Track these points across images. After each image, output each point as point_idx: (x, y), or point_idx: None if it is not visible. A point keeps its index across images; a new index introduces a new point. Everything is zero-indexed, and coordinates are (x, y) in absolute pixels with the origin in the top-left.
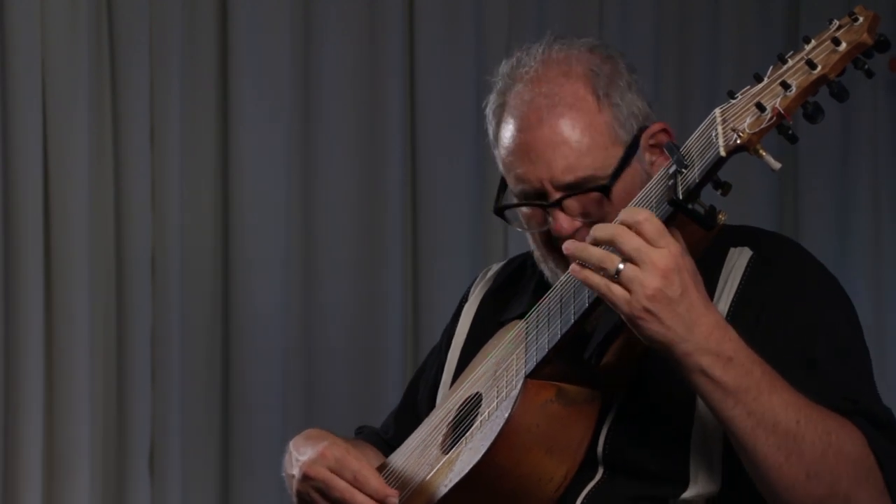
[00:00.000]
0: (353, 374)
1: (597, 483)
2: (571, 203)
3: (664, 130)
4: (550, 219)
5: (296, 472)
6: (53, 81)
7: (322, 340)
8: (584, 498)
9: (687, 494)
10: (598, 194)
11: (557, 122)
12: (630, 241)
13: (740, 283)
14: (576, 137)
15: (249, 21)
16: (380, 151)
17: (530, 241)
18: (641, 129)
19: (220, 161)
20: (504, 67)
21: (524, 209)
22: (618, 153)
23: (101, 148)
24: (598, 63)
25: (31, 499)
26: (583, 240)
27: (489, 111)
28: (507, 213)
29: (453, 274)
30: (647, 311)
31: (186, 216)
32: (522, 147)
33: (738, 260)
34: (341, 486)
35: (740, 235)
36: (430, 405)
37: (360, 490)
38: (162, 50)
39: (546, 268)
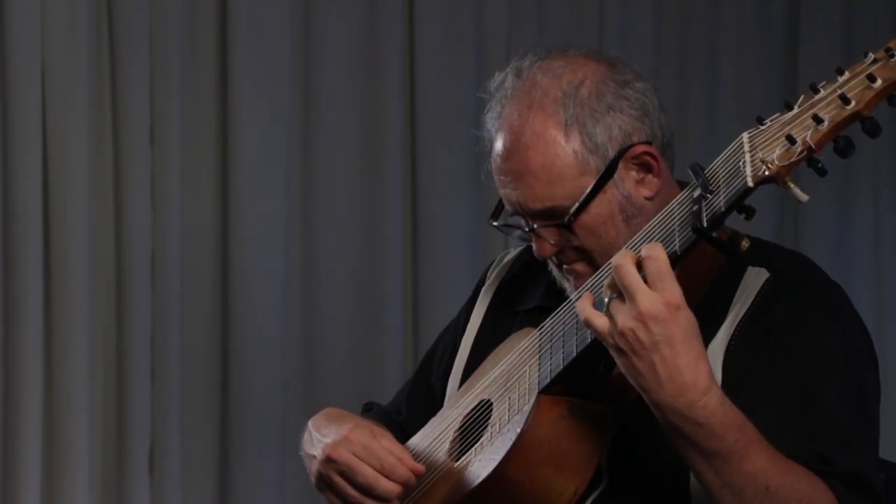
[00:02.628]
0: (353, 374)
1: (601, 493)
2: (544, 231)
3: (646, 153)
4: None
5: (317, 452)
6: (53, 81)
7: (322, 340)
8: None
9: None
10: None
11: (525, 154)
12: (625, 277)
13: (751, 305)
14: (540, 169)
15: (249, 21)
16: (380, 151)
17: None
18: (622, 152)
19: (220, 161)
20: (496, 80)
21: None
22: (587, 183)
23: (101, 148)
24: (574, 86)
25: (30, 498)
26: (568, 259)
27: (486, 122)
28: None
29: (453, 274)
30: (618, 347)
31: (186, 216)
32: (498, 171)
33: (754, 280)
34: (367, 472)
35: (760, 253)
36: (443, 386)
37: (388, 477)
38: (162, 50)
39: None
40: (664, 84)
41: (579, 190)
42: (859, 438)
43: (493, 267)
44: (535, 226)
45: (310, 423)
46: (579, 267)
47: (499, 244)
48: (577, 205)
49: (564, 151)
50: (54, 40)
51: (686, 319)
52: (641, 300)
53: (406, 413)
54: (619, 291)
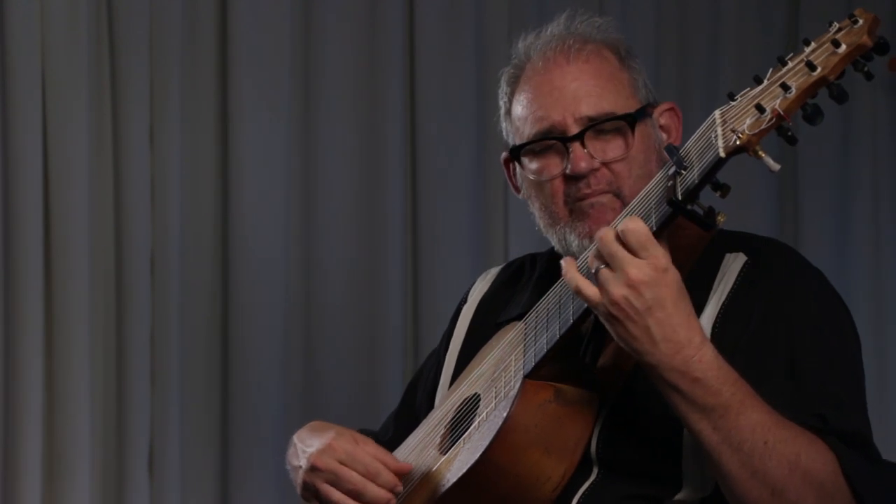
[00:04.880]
0: (353, 374)
1: (592, 483)
2: (592, 139)
3: (671, 109)
4: (568, 158)
5: (302, 462)
6: (53, 81)
7: (322, 340)
8: (580, 497)
9: (680, 496)
10: (619, 139)
11: (584, 64)
12: (609, 247)
13: (732, 289)
14: (600, 79)
15: (249, 21)
16: (380, 151)
17: (540, 213)
18: (655, 103)
19: (220, 161)
20: (524, 41)
21: (538, 162)
22: (636, 106)
23: (101, 148)
24: (618, 35)
25: (30, 499)
26: (598, 183)
27: (504, 81)
28: (523, 159)
29: (453, 274)
30: (612, 315)
31: (186, 216)
32: (547, 84)
33: (732, 265)
34: (354, 478)
35: (737, 241)
36: (429, 407)
37: (373, 481)
38: (162, 50)
39: (555, 234)
40: (664, 83)
41: (630, 108)
42: (853, 400)
43: (475, 285)
44: (583, 129)
45: (294, 437)
46: (605, 199)
47: (499, 244)
48: (636, 110)
49: (620, 75)
50: (54, 40)
51: (674, 280)
52: (630, 268)
53: (392, 433)
54: (606, 262)
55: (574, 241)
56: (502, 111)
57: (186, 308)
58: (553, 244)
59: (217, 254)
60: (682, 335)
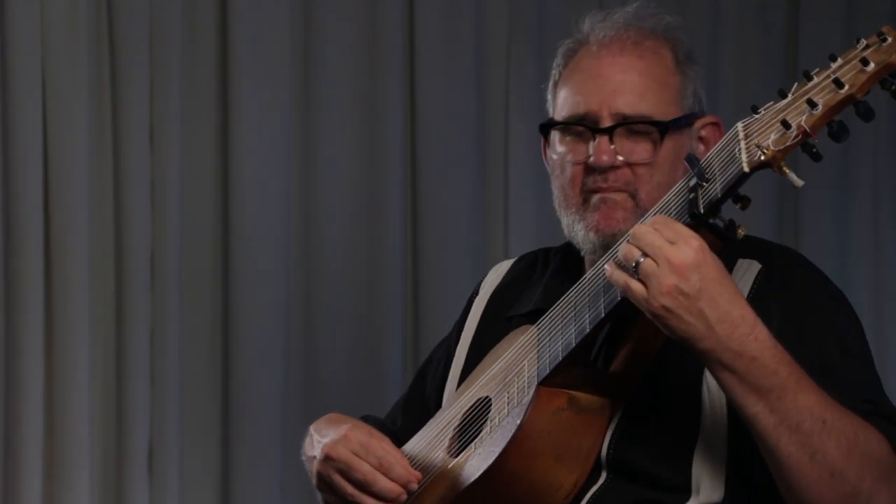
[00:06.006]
0: (353, 374)
1: (600, 487)
2: (622, 136)
3: (714, 123)
4: (592, 148)
5: (317, 452)
6: (53, 81)
7: (322, 340)
8: (588, 501)
9: (689, 503)
10: (648, 143)
11: (637, 60)
12: (647, 238)
13: (749, 297)
14: (647, 79)
15: (249, 21)
16: (380, 152)
17: (558, 192)
18: (700, 114)
19: (220, 161)
20: (591, 18)
21: (566, 143)
22: (676, 114)
23: (101, 148)
24: (683, 37)
25: (30, 499)
26: (616, 180)
27: (560, 53)
28: (553, 136)
29: (453, 274)
30: (664, 307)
31: (186, 216)
32: (595, 69)
33: (747, 272)
34: (365, 468)
35: (748, 247)
36: (438, 397)
37: (385, 475)
38: (162, 50)
39: (566, 216)
40: None
41: (669, 116)
42: (883, 394)
43: (486, 277)
44: (614, 124)
45: (311, 428)
46: (619, 197)
47: (499, 245)
48: (673, 119)
49: (671, 79)
50: (54, 40)
51: (714, 259)
52: (672, 255)
53: (401, 423)
54: (645, 253)
55: (580, 231)
56: (551, 82)
57: (186, 308)
58: (563, 225)
59: (217, 254)
60: (735, 313)
